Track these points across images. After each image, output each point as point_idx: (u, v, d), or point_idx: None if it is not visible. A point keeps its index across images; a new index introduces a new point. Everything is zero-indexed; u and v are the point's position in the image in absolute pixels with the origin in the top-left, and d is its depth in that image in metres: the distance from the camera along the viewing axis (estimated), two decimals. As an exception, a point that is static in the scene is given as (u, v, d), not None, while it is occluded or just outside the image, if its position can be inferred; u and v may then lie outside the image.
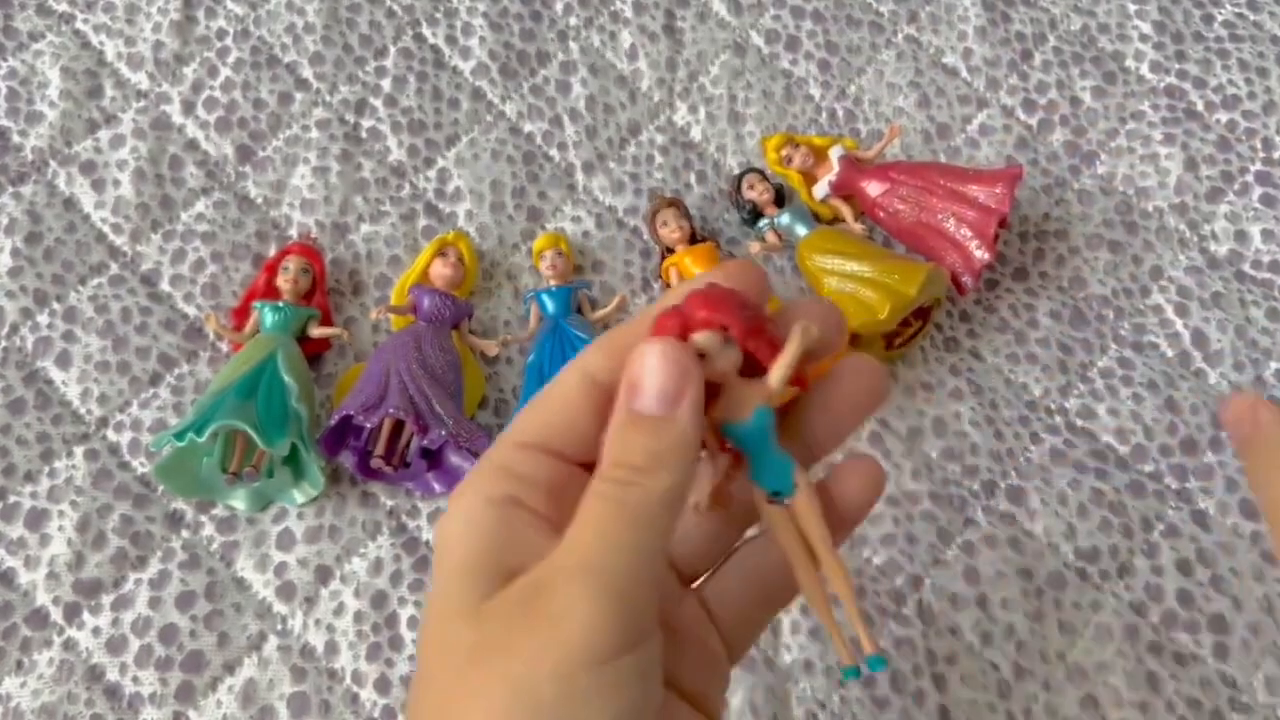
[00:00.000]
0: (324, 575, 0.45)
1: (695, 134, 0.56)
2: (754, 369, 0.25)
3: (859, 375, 0.27)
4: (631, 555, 0.23)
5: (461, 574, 0.24)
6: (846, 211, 0.53)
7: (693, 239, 0.51)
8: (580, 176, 0.54)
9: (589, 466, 0.25)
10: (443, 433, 0.44)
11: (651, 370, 0.24)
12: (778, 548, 0.27)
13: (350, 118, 0.54)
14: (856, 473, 0.27)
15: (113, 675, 0.43)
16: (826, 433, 0.28)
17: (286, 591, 0.44)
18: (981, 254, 0.49)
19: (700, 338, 0.24)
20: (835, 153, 0.53)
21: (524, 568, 0.23)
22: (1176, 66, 0.58)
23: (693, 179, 0.54)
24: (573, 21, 0.58)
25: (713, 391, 0.25)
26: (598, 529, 0.23)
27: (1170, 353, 0.51)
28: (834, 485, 0.27)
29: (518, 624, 0.22)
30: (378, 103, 0.55)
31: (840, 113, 0.57)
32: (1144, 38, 0.59)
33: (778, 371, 0.25)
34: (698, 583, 0.29)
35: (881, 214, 0.52)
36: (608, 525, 0.23)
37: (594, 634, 0.21)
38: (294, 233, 0.51)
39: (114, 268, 0.50)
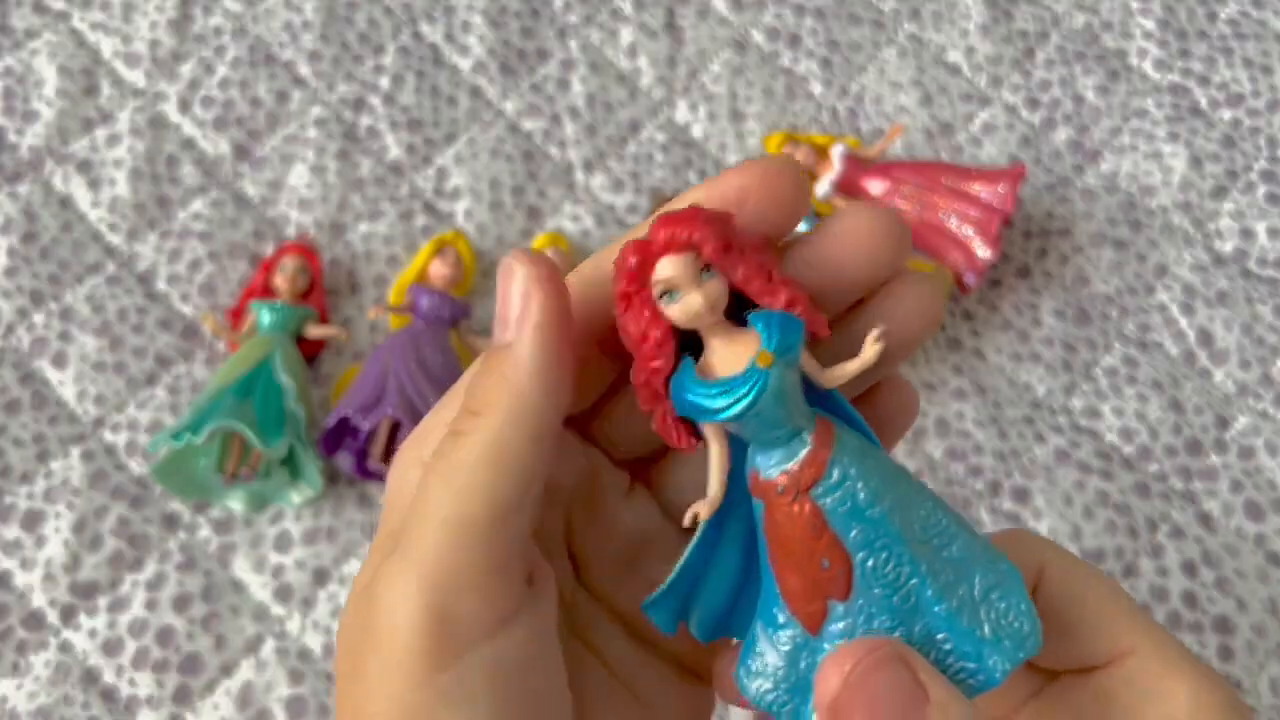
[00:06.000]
0: (322, 577, 0.45)
1: (696, 132, 0.55)
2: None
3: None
4: (444, 532, 0.19)
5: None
6: (848, 210, 0.53)
7: (693, 238, 0.51)
8: (580, 174, 0.54)
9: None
10: (441, 433, 0.43)
11: (500, 294, 0.20)
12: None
13: (348, 116, 0.54)
14: (884, 399, 0.23)
15: (109, 677, 0.42)
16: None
17: (284, 593, 0.44)
18: (985, 253, 0.49)
19: (663, 267, 0.20)
20: (837, 151, 0.52)
21: None
22: (1180, 64, 0.58)
23: (693, 177, 0.54)
24: (572, 19, 0.57)
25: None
26: (414, 504, 0.20)
27: (1175, 351, 0.51)
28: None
29: (362, 641, 0.20)
30: (376, 101, 0.54)
31: (842, 111, 0.56)
32: (1147, 35, 0.59)
33: (849, 365, 0.21)
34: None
35: (883, 212, 0.52)
36: (419, 498, 0.20)
37: (416, 641, 0.19)
38: (291, 232, 0.51)
39: (110, 267, 0.49)
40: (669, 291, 0.20)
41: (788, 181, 0.21)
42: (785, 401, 0.20)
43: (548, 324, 0.20)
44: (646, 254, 0.20)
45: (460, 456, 0.20)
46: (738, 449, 0.21)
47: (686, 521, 0.21)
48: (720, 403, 0.20)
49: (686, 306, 0.20)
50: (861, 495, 0.20)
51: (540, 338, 0.20)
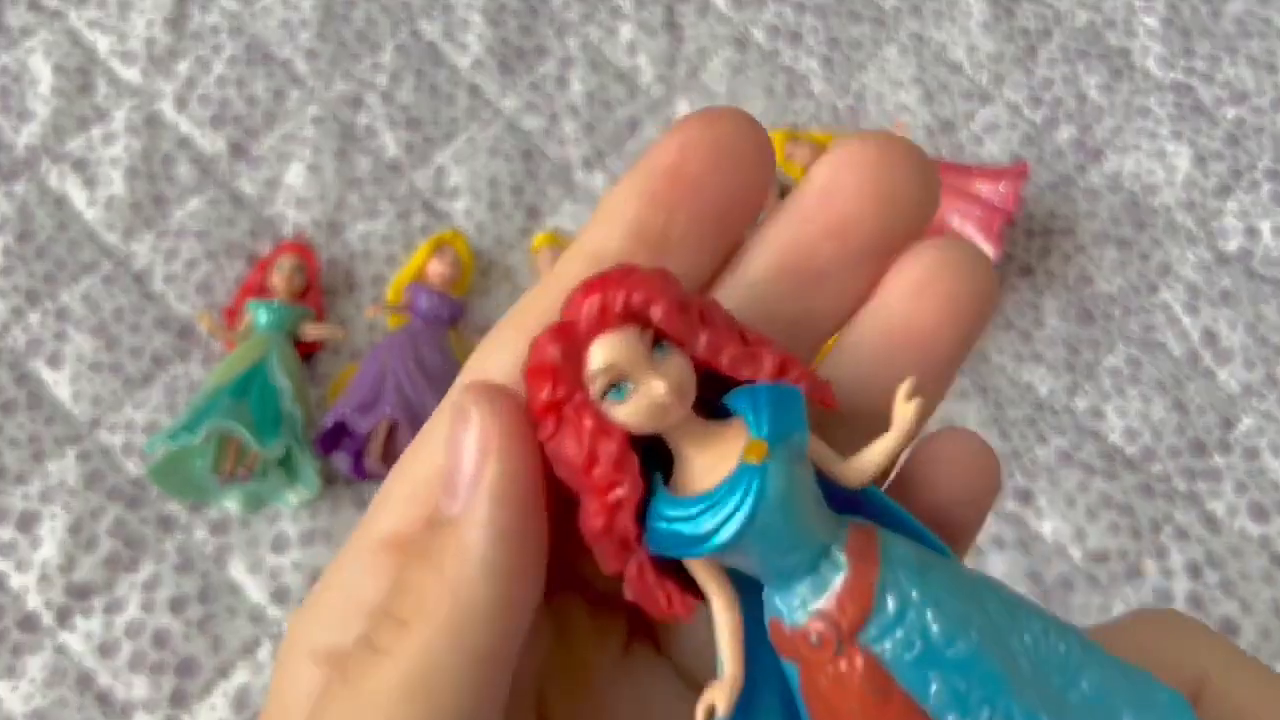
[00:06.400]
0: (319, 578, 0.44)
1: (696, 130, 0.55)
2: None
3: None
4: None
5: None
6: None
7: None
8: (579, 173, 0.53)
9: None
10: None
11: (450, 444, 0.15)
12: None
13: (346, 114, 0.54)
14: (953, 458, 0.17)
15: (105, 680, 0.42)
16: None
17: (281, 595, 0.44)
18: (987, 252, 0.49)
19: (602, 351, 0.14)
20: (838, 149, 0.52)
21: None
22: (1183, 62, 0.58)
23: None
24: (571, 16, 0.57)
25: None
26: None
27: (1179, 351, 0.50)
28: (927, 482, 0.17)
29: None
30: (373, 99, 0.54)
31: (843, 109, 0.56)
32: (1150, 33, 0.58)
33: (875, 457, 0.15)
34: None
35: (885, 211, 0.51)
36: None
37: None
38: (288, 231, 0.51)
39: (106, 266, 0.49)
40: (616, 385, 0.14)
41: (740, 126, 0.15)
42: (797, 507, 0.14)
43: (510, 495, 0.14)
44: (571, 339, 0.14)
45: (373, 687, 0.14)
46: (753, 598, 0.15)
47: (700, 719, 0.15)
48: (707, 525, 0.14)
49: (646, 399, 0.14)
50: (935, 628, 0.14)
51: (499, 515, 0.14)
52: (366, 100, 0.54)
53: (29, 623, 0.43)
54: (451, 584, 0.14)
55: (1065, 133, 0.56)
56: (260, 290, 0.48)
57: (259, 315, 0.47)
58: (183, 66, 0.54)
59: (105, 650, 0.42)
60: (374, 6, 0.56)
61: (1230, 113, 0.56)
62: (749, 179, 0.16)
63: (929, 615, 0.14)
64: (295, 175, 0.52)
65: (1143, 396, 0.49)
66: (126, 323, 0.48)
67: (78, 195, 0.51)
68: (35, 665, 0.42)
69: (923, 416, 0.16)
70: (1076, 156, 0.55)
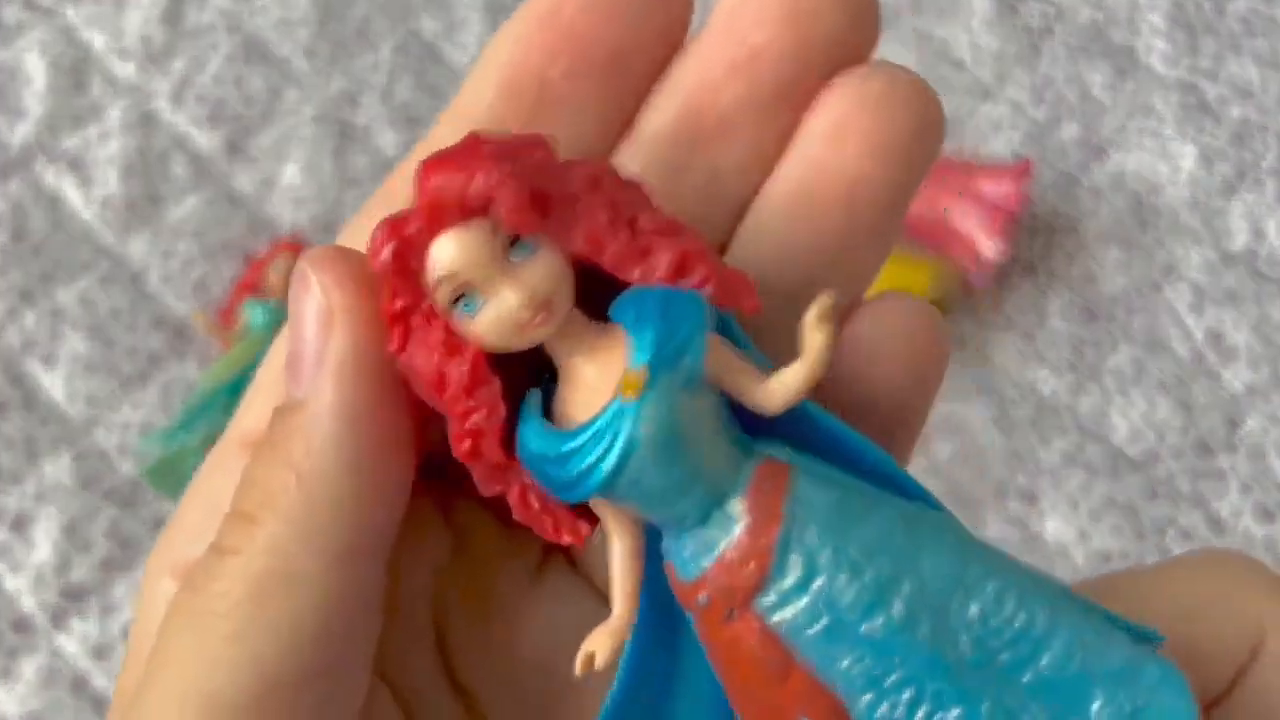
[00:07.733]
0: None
1: (696, 128, 0.55)
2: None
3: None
4: (183, 717, 0.12)
5: None
6: (851, 207, 0.52)
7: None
8: (579, 172, 0.53)
9: None
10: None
11: (291, 317, 0.13)
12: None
13: (343, 113, 0.53)
14: (888, 333, 0.14)
15: (100, 682, 0.42)
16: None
17: (277, 597, 0.44)
18: (990, 251, 0.49)
19: (443, 254, 0.12)
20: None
21: None
22: (1188, 60, 0.57)
23: (694, 174, 0.54)
24: (571, 14, 0.57)
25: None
26: (149, 660, 0.13)
27: (1183, 352, 0.50)
28: (860, 363, 0.14)
29: None
30: (371, 97, 0.54)
31: (844, 107, 0.56)
32: (1155, 30, 0.58)
33: (786, 378, 0.12)
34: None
35: (887, 210, 0.51)
36: (154, 653, 0.13)
37: None
38: (284, 230, 0.51)
39: (101, 265, 0.49)
40: (463, 296, 0.12)
41: None
42: (682, 448, 0.12)
43: (360, 369, 0.12)
44: (404, 239, 0.12)
45: (219, 589, 0.13)
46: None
47: (578, 670, 0.13)
48: (574, 470, 0.12)
49: (497, 315, 0.12)
50: (848, 598, 0.12)
51: (347, 393, 0.12)
52: (364, 99, 0.54)
53: (23, 625, 0.43)
54: (298, 472, 0.12)
55: (1069, 131, 0.55)
56: (256, 289, 0.48)
57: (255, 315, 0.47)
58: (178, 64, 0.54)
59: (100, 652, 0.42)
60: (372, 4, 0.56)
61: (1235, 111, 0.56)
62: (650, 18, 0.13)
63: (840, 582, 0.12)
64: (292, 174, 0.52)
65: (1147, 397, 0.49)
66: (122, 322, 0.48)
67: (73, 194, 0.50)
68: (30, 668, 0.42)
69: (857, 290, 0.13)
70: (1080, 155, 0.55)
